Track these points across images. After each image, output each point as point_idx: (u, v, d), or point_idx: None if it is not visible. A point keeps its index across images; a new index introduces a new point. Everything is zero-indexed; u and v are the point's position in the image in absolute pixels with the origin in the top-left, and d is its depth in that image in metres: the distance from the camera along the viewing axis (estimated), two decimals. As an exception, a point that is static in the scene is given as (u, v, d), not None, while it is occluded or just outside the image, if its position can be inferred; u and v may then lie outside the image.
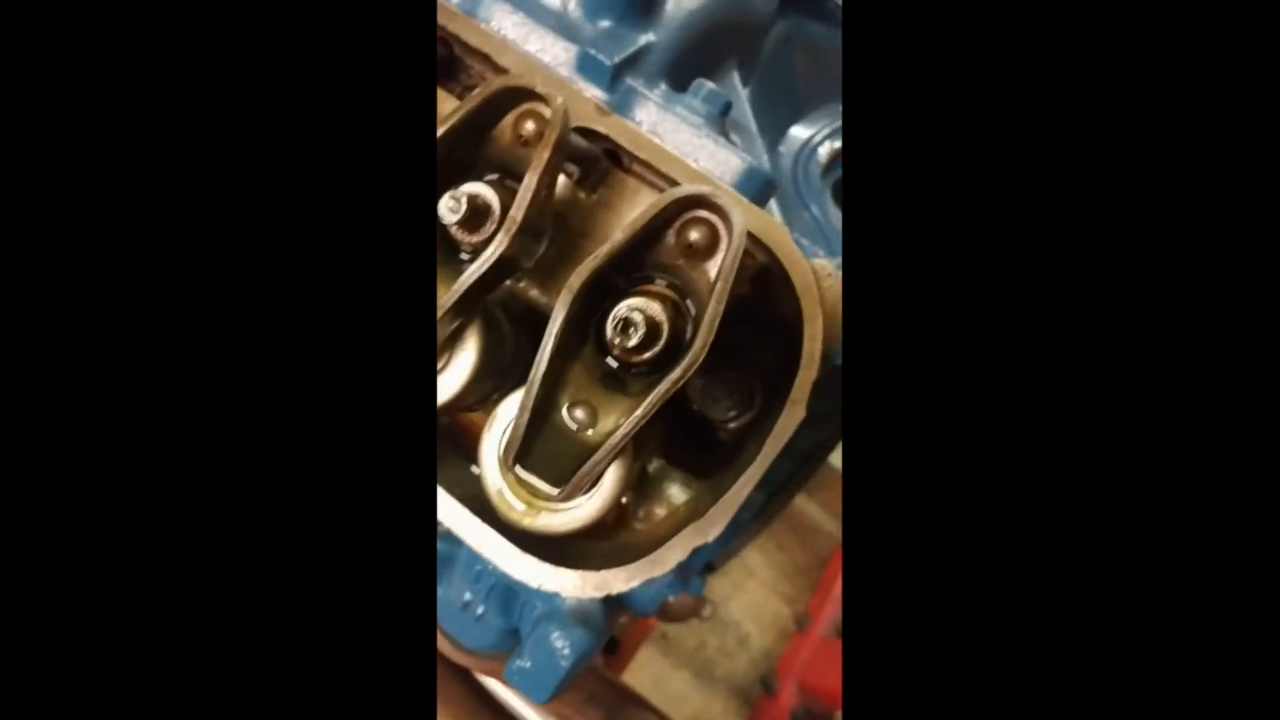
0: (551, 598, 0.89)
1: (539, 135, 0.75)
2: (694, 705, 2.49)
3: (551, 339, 0.65)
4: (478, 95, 0.72)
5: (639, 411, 0.64)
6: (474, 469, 0.87)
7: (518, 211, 0.68)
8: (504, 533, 0.78)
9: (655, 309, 0.69)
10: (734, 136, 1.03)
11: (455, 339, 0.78)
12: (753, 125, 1.16)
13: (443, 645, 1.13)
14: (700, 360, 0.64)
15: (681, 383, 0.63)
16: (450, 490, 0.81)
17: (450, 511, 0.79)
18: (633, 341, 0.67)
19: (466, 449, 0.93)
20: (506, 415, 0.79)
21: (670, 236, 0.72)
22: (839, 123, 1.49)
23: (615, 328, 0.68)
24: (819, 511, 2.75)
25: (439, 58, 0.89)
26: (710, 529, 0.80)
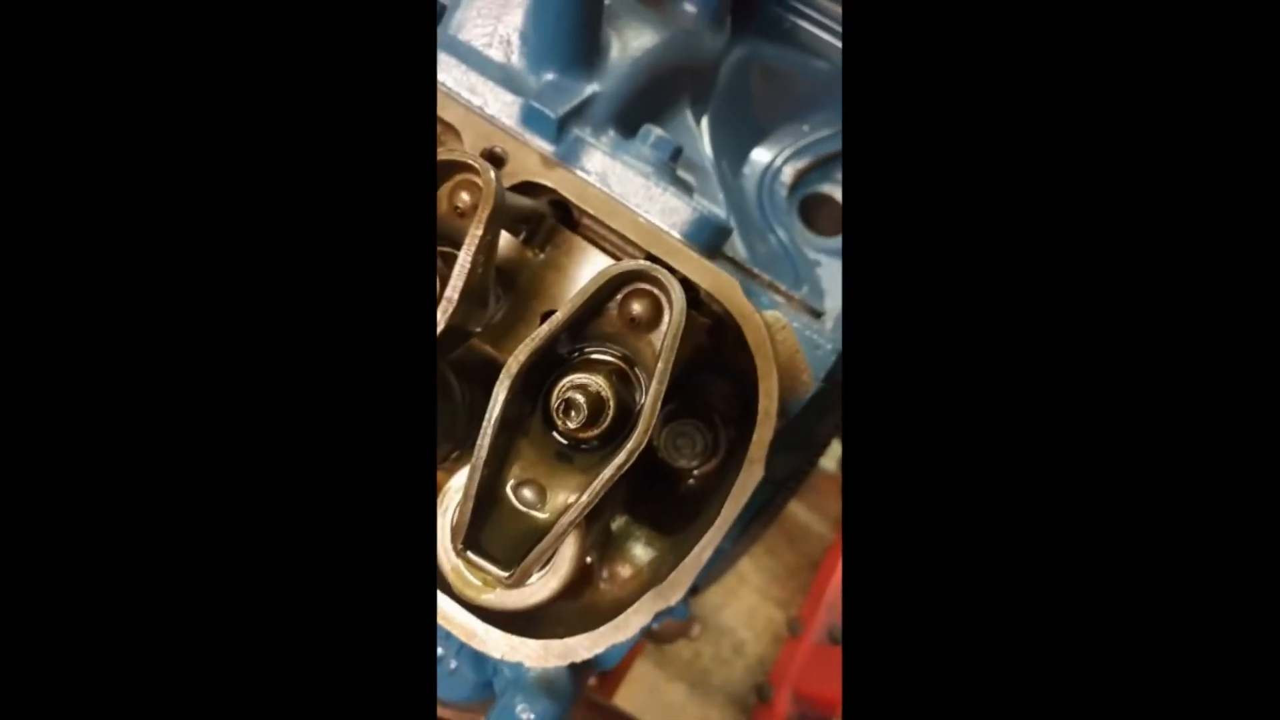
0: (517, 664, 0.89)
1: (474, 206, 0.74)
2: (691, 716, 2.50)
3: (491, 425, 0.64)
4: (411, 173, 0.70)
5: (584, 498, 0.63)
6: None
7: (453, 291, 0.67)
8: (463, 605, 0.77)
9: (599, 384, 0.68)
10: (688, 176, 1.02)
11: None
12: (708, 163, 1.14)
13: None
14: (643, 446, 0.63)
15: (626, 468, 0.62)
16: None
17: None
18: (575, 423, 0.66)
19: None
20: (456, 492, 0.78)
21: (613, 309, 0.71)
22: (802, 142, 1.48)
23: (558, 410, 0.67)
24: (807, 514, 2.75)
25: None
26: (673, 593, 0.79)
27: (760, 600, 2.67)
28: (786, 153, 1.46)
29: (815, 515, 2.76)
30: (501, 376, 0.64)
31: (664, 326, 0.70)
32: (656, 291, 0.70)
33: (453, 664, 1.05)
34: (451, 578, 0.75)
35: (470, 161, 0.71)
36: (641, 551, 0.87)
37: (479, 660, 1.05)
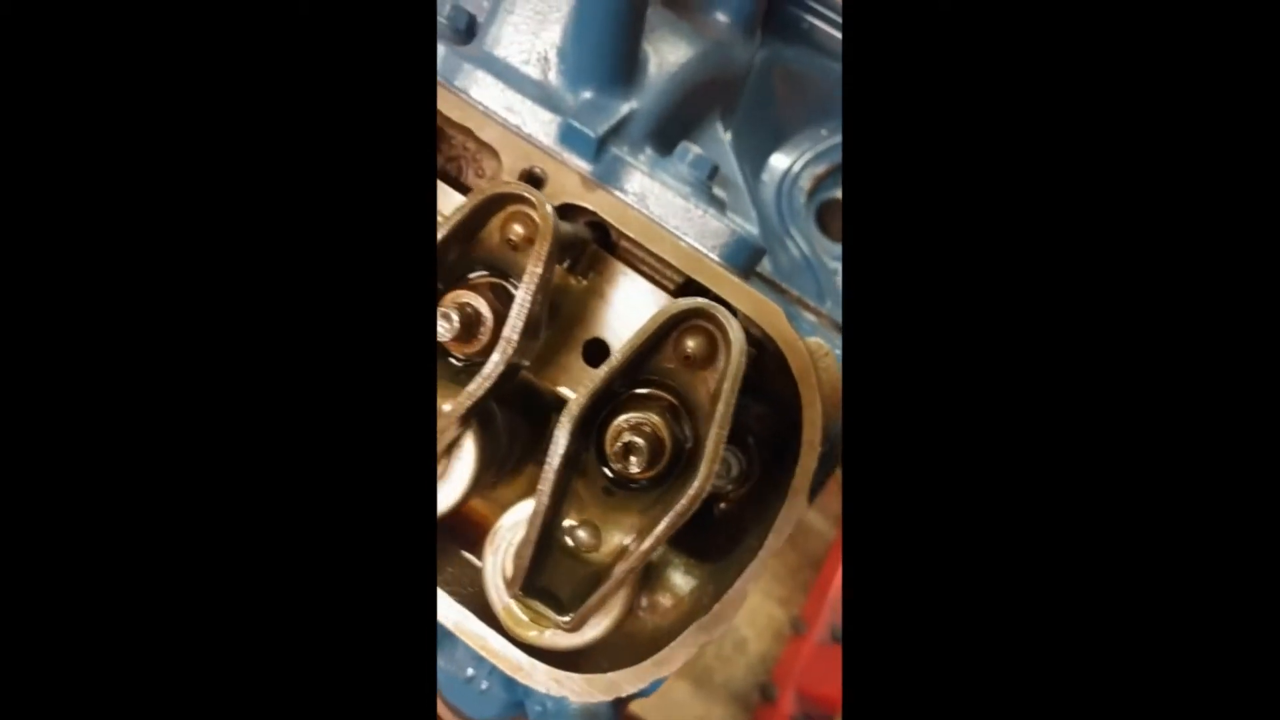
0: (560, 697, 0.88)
1: (527, 240, 0.73)
2: (695, 714, 2.50)
3: (554, 471, 0.63)
4: (466, 205, 0.69)
5: (645, 545, 0.62)
6: (475, 561, 0.85)
7: (513, 332, 0.65)
8: (513, 642, 0.76)
9: (655, 423, 0.68)
10: (721, 192, 1.01)
11: (454, 445, 0.76)
12: (739, 178, 1.13)
13: (447, 715, 1.12)
14: (705, 492, 0.62)
15: (688, 516, 0.62)
16: (450, 590, 0.79)
17: (451, 614, 0.77)
18: (636, 468, 0.65)
19: (467, 536, 0.91)
20: (508, 531, 0.77)
21: (668, 346, 0.70)
22: (821, 147, 1.47)
23: (617, 453, 0.66)
24: (810, 511, 2.75)
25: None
26: (716, 626, 0.79)
27: (762, 598, 2.67)
28: (806, 158, 1.45)
29: (817, 513, 2.76)
30: (562, 420, 0.63)
31: (720, 364, 0.69)
32: (712, 329, 0.69)
33: (484, 684, 1.05)
34: (502, 616, 0.74)
35: (525, 194, 0.70)
36: (681, 580, 0.87)
37: (510, 681, 1.04)
